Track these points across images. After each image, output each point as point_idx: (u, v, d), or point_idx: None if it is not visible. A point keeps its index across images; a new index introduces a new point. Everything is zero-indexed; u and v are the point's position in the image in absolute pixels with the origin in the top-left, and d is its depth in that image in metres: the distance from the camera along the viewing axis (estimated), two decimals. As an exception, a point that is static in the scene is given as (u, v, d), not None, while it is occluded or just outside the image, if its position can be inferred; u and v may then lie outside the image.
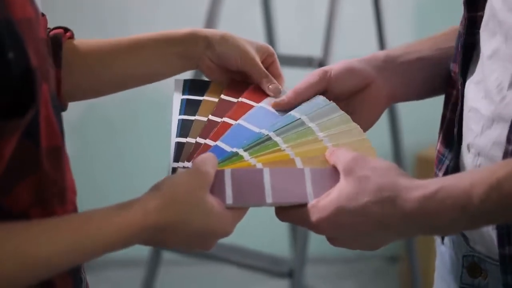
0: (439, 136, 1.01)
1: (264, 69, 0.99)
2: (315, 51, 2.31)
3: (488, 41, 0.89)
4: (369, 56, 1.02)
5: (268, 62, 1.01)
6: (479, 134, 0.88)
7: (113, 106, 2.83)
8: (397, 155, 2.37)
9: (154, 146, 2.96)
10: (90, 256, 0.71)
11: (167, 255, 2.33)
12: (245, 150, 0.89)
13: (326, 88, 0.98)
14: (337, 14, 2.10)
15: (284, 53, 2.47)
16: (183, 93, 0.97)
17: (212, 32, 0.98)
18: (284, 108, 0.95)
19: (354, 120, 0.96)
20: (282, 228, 2.75)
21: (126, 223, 0.72)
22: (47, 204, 0.72)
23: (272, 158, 0.88)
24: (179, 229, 0.76)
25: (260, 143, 0.90)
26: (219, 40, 0.97)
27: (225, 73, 1.00)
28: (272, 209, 0.85)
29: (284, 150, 0.89)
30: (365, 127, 0.97)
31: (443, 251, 1.02)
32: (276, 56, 1.02)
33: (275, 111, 0.96)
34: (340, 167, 0.83)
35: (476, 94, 0.90)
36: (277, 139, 0.91)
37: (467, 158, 0.91)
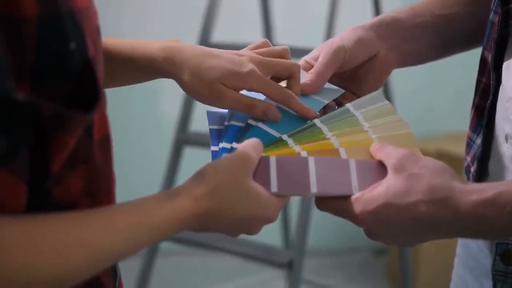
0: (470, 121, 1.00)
1: (235, 93, 0.87)
2: (311, 41, 2.30)
3: None
4: (376, 21, 1.01)
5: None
6: None
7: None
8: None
9: (146, 134, 2.94)
10: (144, 245, 0.69)
11: (164, 245, 2.31)
12: (289, 136, 0.87)
13: (341, 66, 0.97)
14: (338, 5, 2.10)
15: (282, 44, 2.47)
16: None
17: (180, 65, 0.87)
18: (310, 93, 0.93)
19: (358, 89, 0.96)
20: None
21: (177, 210, 0.71)
22: (96, 196, 0.71)
23: (317, 147, 0.86)
24: (224, 214, 0.75)
25: (304, 129, 0.89)
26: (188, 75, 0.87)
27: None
28: None
29: (329, 138, 0.87)
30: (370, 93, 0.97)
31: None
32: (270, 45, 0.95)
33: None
34: (389, 163, 0.81)
35: None
36: (322, 125, 0.89)
37: (504, 148, 0.91)
